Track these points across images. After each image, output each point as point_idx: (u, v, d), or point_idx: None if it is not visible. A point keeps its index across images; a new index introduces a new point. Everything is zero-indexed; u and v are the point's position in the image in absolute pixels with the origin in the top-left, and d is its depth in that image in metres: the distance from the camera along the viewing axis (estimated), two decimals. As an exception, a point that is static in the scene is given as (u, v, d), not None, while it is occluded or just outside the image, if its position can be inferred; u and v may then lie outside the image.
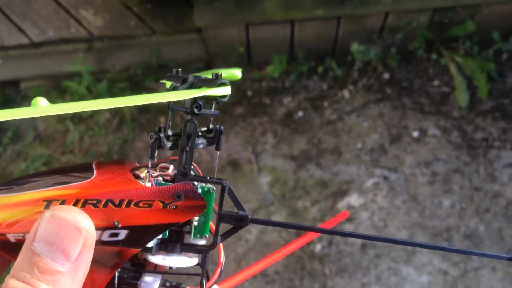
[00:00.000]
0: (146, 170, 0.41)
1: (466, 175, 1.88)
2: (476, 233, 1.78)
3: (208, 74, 0.41)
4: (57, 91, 2.10)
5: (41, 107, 0.35)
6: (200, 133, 0.44)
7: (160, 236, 0.42)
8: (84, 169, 0.41)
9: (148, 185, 0.40)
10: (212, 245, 0.43)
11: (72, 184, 0.39)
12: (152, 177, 0.41)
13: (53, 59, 2.11)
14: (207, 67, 2.13)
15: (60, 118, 2.09)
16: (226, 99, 0.41)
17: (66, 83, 2.07)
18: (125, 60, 2.11)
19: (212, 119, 0.44)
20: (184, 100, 0.42)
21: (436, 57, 2.06)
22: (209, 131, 0.44)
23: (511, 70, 2.05)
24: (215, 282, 0.46)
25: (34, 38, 2.09)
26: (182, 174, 0.41)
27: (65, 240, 0.36)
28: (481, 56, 2.03)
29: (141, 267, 0.45)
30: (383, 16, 1.97)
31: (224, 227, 0.43)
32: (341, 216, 0.64)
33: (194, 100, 0.41)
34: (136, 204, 0.39)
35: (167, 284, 0.46)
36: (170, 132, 0.42)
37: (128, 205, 0.39)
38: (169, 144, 0.42)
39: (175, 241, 0.43)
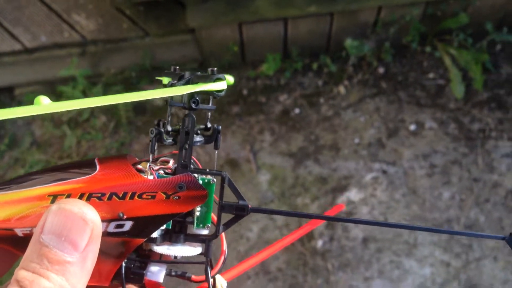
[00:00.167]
0: (148, 164, 0.42)
1: (464, 167, 1.88)
2: (477, 223, 1.78)
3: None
4: (52, 96, 2.09)
5: (44, 105, 0.35)
6: (198, 131, 0.45)
7: (164, 227, 0.44)
8: (87, 165, 0.42)
9: (150, 177, 0.41)
10: (215, 235, 0.45)
11: (76, 179, 0.40)
12: (154, 170, 0.42)
13: (47, 64, 2.10)
14: (201, 67, 2.12)
15: (57, 123, 2.09)
16: (222, 94, 0.42)
17: (61, 88, 2.06)
18: (119, 63, 2.11)
19: (209, 116, 0.45)
20: (182, 96, 0.43)
21: (430, 50, 2.07)
22: (206, 129, 0.46)
23: (506, 60, 2.06)
24: (219, 270, 0.47)
25: (27, 44, 2.08)
26: (183, 167, 0.43)
27: (73, 231, 0.37)
28: (475, 48, 2.04)
29: (147, 257, 0.46)
30: (376, 11, 1.97)
31: (225, 217, 0.45)
32: (337, 208, 0.65)
33: (192, 95, 0.42)
34: (140, 196, 0.40)
35: (173, 273, 0.47)
36: (169, 128, 0.43)
37: (132, 197, 0.40)
38: (169, 139, 0.43)
39: (178, 231, 0.45)
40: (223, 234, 0.46)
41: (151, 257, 0.46)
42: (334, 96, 2.05)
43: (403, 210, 1.81)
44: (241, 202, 0.44)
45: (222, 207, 0.44)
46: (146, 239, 0.42)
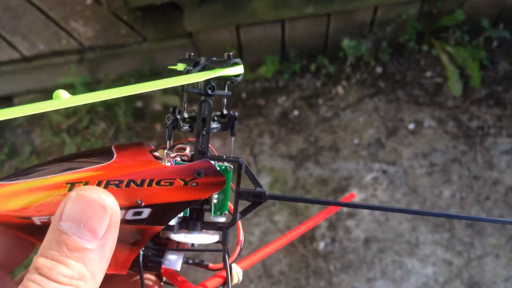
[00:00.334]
0: (165, 151, 0.42)
1: (464, 164, 1.88)
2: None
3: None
4: (51, 104, 2.10)
5: (64, 99, 0.36)
6: (215, 118, 0.44)
7: (181, 215, 0.43)
8: (104, 152, 0.42)
9: (168, 164, 0.41)
10: (232, 222, 0.44)
11: (93, 166, 0.40)
12: (171, 158, 0.42)
13: (45, 72, 2.11)
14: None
15: (56, 131, 2.09)
16: (240, 78, 0.42)
17: (60, 95, 2.06)
18: (117, 69, 2.11)
19: (225, 103, 0.45)
20: (198, 82, 0.42)
21: (427, 48, 2.07)
22: (223, 115, 0.45)
23: (503, 56, 2.06)
24: (237, 257, 0.47)
25: (25, 53, 2.08)
26: (200, 153, 0.42)
27: (92, 218, 0.37)
28: (472, 45, 2.04)
29: (164, 246, 0.46)
30: (372, 10, 1.97)
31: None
32: (350, 197, 0.65)
33: (207, 81, 0.42)
34: (158, 183, 0.40)
35: (190, 261, 0.47)
36: (186, 114, 0.43)
37: (150, 184, 0.40)
38: (186, 126, 0.43)
39: (195, 219, 0.44)
40: (239, 222, 0.46)
41: (168, 245, 0.46)
42: (332, 97, 2.05)
43: (404, 210, 1.82)
44: (258, 189, 0.44)
45: (239, 194, 0.44)
46: (163, 226, 0.42)
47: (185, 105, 0.43)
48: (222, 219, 0.45)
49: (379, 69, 2.08)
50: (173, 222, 0.43)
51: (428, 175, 1.88)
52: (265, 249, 0.51)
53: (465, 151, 1.90)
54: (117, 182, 0.39)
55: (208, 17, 1.92)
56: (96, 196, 0.37)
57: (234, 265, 0.47)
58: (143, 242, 0.42)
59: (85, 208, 0.37)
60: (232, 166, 0.43)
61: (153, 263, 0.45)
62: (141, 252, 0.44)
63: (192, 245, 0.45)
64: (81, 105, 2.05)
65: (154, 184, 0.40)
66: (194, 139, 0.43)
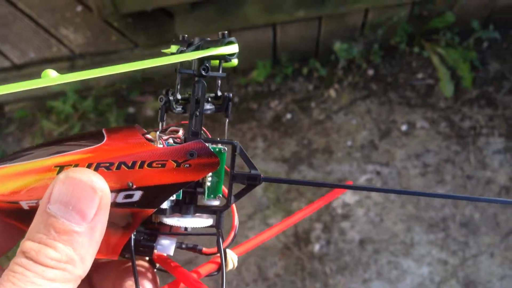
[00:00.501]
0: (157, 133, 0.41)
1: (457, 164, 1.89)
2: (472, 220, 1.79)
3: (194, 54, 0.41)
4: (42, 111, 2.09)
5: (52, 77, 0.35)
6: (209, 99, 0.43)
7: (174, 198, 0.42)
8: (94, 135, 0.41)
9: (160, 146, 0.40)
10: (226, 205, 0.44)
11: (83, 149, 0.39)
12: (163, 140, 0.41)
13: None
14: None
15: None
16: (234, 57, 0.41)
17: (51, 103, 2.06)
18: (109, 76, 2.10)
19: (219, 84, 0.44)
20: (191, 63, 0.42)
21: (418, 50, 2.08)
22: (217, 97, 0.44)
23: (493, 57, 2.08)
24: (232, 242, 0.46)
25: (16, 61, 2.07)
26: (193, 134, 0.41)
27: (81, 201, 0.36)
28: (462, 46, 2.05)
29: (156, 230, 0.45)
30: (363, 13, 1.98)
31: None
32: (349, 183, 0.63)
33: (202, 62, 0.41)
34: (150, 165, 0.39)
35: (183, 246, 0.46)
36: (179, 96, 0.42)
37: (141, 166, 0.39)
38: (179, 108, 0.42)
39: (189, 202, 0.43)
40: (234, 206, 0.45)
41: (160, 230, 0.45)
42: (325, 100, 2.05)
43: (399, 210, 1.82)
44: (253, 172, 0.43)
45: (234, 177, 0.43)
46: (155, 209, 0.41)
47: (178, 87, 0.42)
48: (216, 203, 0.44)
49: (371, 72, 2.08)
50: (165, 205, 0.42)
51: (421, 175, 1.88)
52: (262, 235, 0.50)
53: (458, 151, 1.91)
54: (108, 164, 0.38)
55: (200, 23, 1.92)
56: (86, 178, 0.36)
57: (229, 251, 0.46)
58: (135, 225, 0.41)
59: (74, 190, 0.36)
60: (226, 148, 0.43)
61: (145, 248, 0.44)
62: (133, 237, 0.43)
63: (185, 229, 0.44)
64: (73, 112, 2.04)
65: (145, 166, 0.39)
66: (188, 122, 0.42)
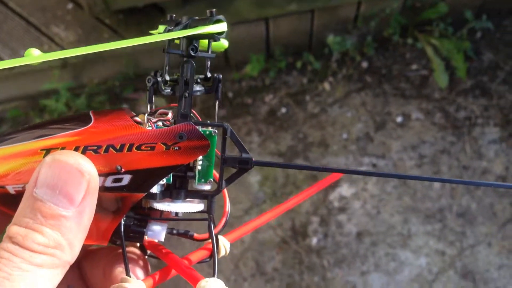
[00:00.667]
0: (146, 115, 0.40)
1: (453, 155, 1.89)
2: (469, 210, 1.79)
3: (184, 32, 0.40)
4: (35, 110, 2.07)
5: (35, 55, 0.35)
6: (198, 80, 0.43)
7: (164, 182, 0.41)
8: (81, 118, 0.40)
9: (149, 128, 0.39)
10: (217, 190, 0.43)
11: (70, 131, 0.38)
12: (152, 122, 0.40)
13: (28, 79, 2.08)
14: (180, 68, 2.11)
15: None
16: (223, 36, 0.40)
17: (44, 101, 2.04)
18: (102, 73, 2.09)
19: (208, 66, 0.43)
20: (180, 43, 0.41)
21: (412, 41, 2.08)
22: (206, 78, 0.43)
23: (486, 47, 2.07)
24: (223, 228, 0.45)
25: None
26: (183, 116, 0.40)
27: (68, 184, 0.35)
28: (456, 37, 2.05)
29: (146, 216, 0.44)
30: (355, 6, 1.97)
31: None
32: (334, 176, 0.62)
33: (190, 42, 0.40)
34: (138, 148, 0.38)
35: (174, 231, 0.45)
36: (167, 77, 0.41)
37: (130, 149, 0.38)
38: (167, 89, 0.41)
39: (179, 187, 0.43)
40: (225, 191, 0.44)
41: (151, 216, 0.44)
42: (319, 93, 2.05)
43: (396, 202, 1.82)
44: (244, 155, 0.42)
45: (225, 161, 0.42)
46: (145, 194, 0.40)
47: (167, 68, 0.41)
48: (207, 187, 0.43)
49: (364, 64, 2.08)
50: (155, 190, 0.41)
51: (417, 167, 1.88)
52: (255, 221, 0.49)
53: (454, 142, 1.91)
54: (95, 147, 0.38)
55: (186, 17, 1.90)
56: (73, 161, 0.35)
57: (221, 237, 0.46)
58: (124, 210, 0.40)
59: (61, 173, 0.35)
60: (216, 131, 0.42)
61: (136, 234, 0.43)
62: (122, 222, 0.42)
63: (176, 214, 0.43)
64: (66, 110, 2.02)
65: (134, 149, 0.38)
66: (177, 104, 0.41)
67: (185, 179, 0.43)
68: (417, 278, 1.70)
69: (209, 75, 0.43)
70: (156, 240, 0.45)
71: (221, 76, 0.43)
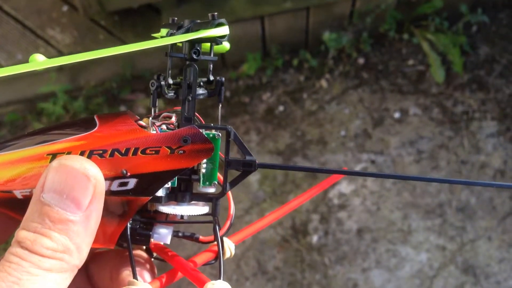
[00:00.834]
0: (150, 119, 0.41)
1: (451, 150, 1.89)
2: (468, 205, 1.79)
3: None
4: (33, 114, 2.07)
5: (40, 61, 0.35)
6: (201, 84, 0.43)
7: (169, 185, 0.42)
8: (86, 122, 0.40)
9: (153, 132, 0.39)
10: (222, 193, 0.43)
11: (76, 136, 0.38)
12: (156, 126, 0.40)
13: (25, 82, 2.08)
14: (182, 72, 2.11)
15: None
16: (225, 40, 0.40)
17: (42, 105, 2.04)
18: (99, 75, 2.09)
19: (211, 69, 0.43)
20: (182, 47, 0.41)
21: (408, 37, 2.08)
22: (209, 82, 0.43)
23: (482, 41, 2.08)
24: (228, 231, 0.45)
25: (3, 63, 2.05)
26: (186, 120, 0.41)
27: (75, 189, 0.35)
28: (451, 31, 2.05)
29: (152, 219, 0.44)
30: (351, 2, 1.97)
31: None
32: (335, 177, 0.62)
33: (193, 45, 0.40)
34: (143, 152, 0.38)
35: (180, 234, 0.46)
36: (170, 81, 0.41)
37: (135, 153, 0.38)
38: (170, 93, 0.41)
39: (184, 190, 0.43)
40: (230, 194, 0.44)
41: (156, 219, 0.44)
42: (316, 90, 2.05)
43: (395, 198, 1.82)
44: (248, 158, 0.42)
45: (229, 163, 0.42)
46: (151, 197, 0.40)
47: (169, 71, 0.41)
48: (211, 190, 0.43)
49: (361, 60, 2.08)
50: (161, 193, 0.41)
51: (416, 162, 1.88)
52: (259, 222, 0.49)
53: (452, 137, 1.91)
54: (101, 151, 0.38)
55: (187, 17, 1.90)
56: (79, 165, 0.36)
57: (226, 239, 0.46)
58: (130, 214, 0.41)
59: (67, 178, 0.35)
60: (220, 134, 0.42)
61: (142, 237, 0.43)
62: (129, 225, 0.42)
63: (182, 217, 0.44)
64: (64, 113, 2.02)
65: (139, 153, 0.38)
66: (180, 107, 0.41)
67: (189, 182, 0.43)
68: (418, 273, 1.71)
69: (211, 78, 0.43)
70: (162, 243, 0.45)
71: (223, 79, 0.43)
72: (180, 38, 0.39)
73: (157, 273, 0.46)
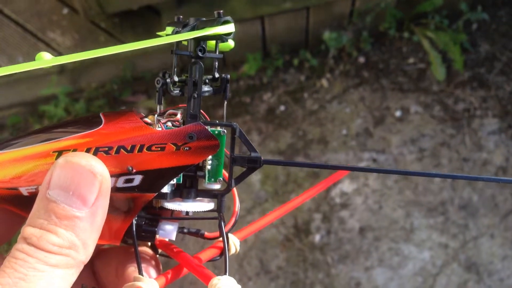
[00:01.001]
0: (155, 116, 0.41)
1: (453, 147, 1.89)
2: (471, 203, 1.79)
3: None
4: (34, 116, 2.07)
5: (46, 59, 0.35)
6: (206, 81, 0.43)
7: (174, 182, 0.42)
8: (91, 119, 0.40)
9: (159, 129, 0.40)
10: (227, 189, 0.43)
11: (81, 133, 0.38)
12: (162, 123, 0.40)
13: (26, 85, 2.08)
14: (182, 72, 2.11)
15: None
16: (231, 37, 0.40)
17: (43, 107, 2.04)
18: (100, 77, 2.09)
19: (216, 66, 0.43)
20: (188, 44, 0.41)
21: (408, 35, 2.08)
22: (214, 79, 0.44)
23: (483, 38, 2.08)
24: (234, 225, 0.46)
25: (4, 66, 2.05)
26: (192, 117, 0.41)
27: (81, 185, 0.35)
28: (452, 29, 2.05)
29: (158, 215, 0.45)
30: (350, 1, 1.98)
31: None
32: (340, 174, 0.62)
33: (198, 43, 0.40)
34: (149, 148, 0.39)
35: (185, 230, 0.46)
36: (176, 78, 0.42)
37: (140, 149, 0.38)
38: (176, 90, 0.42)
39: (189, 186, 0.43)
40: (235, 190, 0.45)
41: (162, 215, 0.45)
42: (317, 90, 2.05)
43: (397, 196, 1.82)
44: (253, 154, 0.42)
45: (234, 160, 0.42)
46: (156, 194, 0.40)
47: (175, 69, 0.42)
48: (216, 186, 0.43)
49: (361, 59, 2.08)
50: (166, 189, 0.41)
51: (418, 160, 1.88)
52: (264, 219, 0.49)
53: (453, 134, 1.91)
54: (107, 148, 0.38)
55: (187, 19, 1.90)
56: (85, 162, 0.36)
57: (231, 235, 0.46)
58: (136, 210, 0.41)
59: (73, 175, 0.35)
60: (225, 131, 0.42)
61: (147, 233, 0.43)
62: (134, 222, 0.42)
63: (187, 213, 0.44)
64: (65, 115, 2.02)
65: (145, 149, 0.39)
66: (186, 105, 0.41)
67: (195, 178, 0.43)
68: (421, 271, 1.71)
69: (217, 75, 0.44)
70: (167, 239, 0.45)
71: (229, 76, 0.43)
72: (186, 36, 0.39)
73: (162, 269, 0.46)
